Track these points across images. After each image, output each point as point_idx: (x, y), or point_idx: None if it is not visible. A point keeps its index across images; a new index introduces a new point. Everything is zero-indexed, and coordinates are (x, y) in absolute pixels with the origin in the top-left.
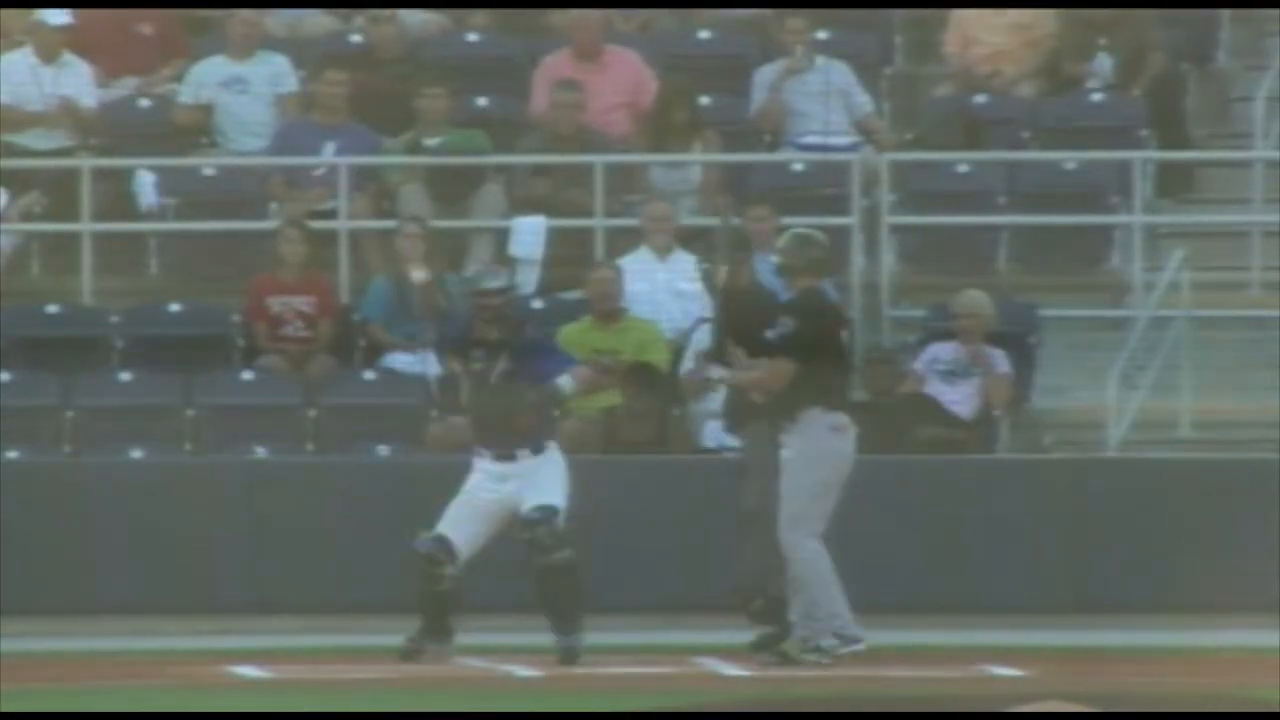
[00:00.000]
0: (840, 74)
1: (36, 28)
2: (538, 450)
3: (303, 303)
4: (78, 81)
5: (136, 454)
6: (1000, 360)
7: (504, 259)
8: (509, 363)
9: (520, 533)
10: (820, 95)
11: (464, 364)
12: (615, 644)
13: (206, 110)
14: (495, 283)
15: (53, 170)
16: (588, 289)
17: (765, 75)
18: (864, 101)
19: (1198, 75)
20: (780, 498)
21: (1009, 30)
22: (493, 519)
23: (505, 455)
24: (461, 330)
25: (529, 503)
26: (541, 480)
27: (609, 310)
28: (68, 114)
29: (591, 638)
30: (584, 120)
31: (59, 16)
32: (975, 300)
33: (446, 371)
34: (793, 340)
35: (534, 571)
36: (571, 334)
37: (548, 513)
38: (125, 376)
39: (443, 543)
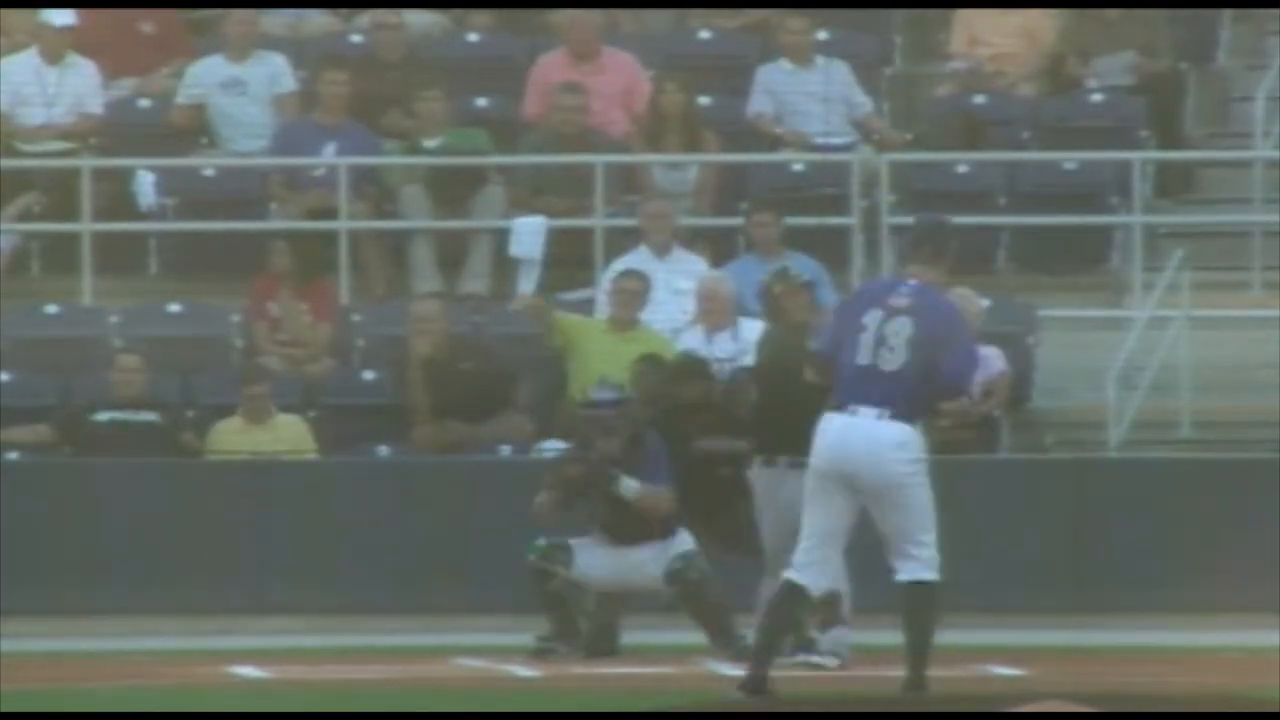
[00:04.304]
0: (839, 74)
1: (40, 29)
2: (665, 536)
3: (302, 306)
4: (83, 83)
5: (137, 454)
6: (995, 358)
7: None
8: (638, 477)
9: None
10: (819, 96)
11: (593, 480)
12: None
13: (202, 111)
14: (605, 395)
15: (52, 170)
16: (611, 295)
17: (765, 75)
18: (863, 102)
19: (1198, 75)
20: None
21: (1015, 33)
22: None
23: (628, 542)
24: (582, 448)
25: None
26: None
27: (626, 319)
28: (78, 122)
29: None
30: (586, 122)
31: (61, 17)
32: (963, 299)
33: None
34: None
35: (679, 598)
36: (579, 333)
37: (688, 558)
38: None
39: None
